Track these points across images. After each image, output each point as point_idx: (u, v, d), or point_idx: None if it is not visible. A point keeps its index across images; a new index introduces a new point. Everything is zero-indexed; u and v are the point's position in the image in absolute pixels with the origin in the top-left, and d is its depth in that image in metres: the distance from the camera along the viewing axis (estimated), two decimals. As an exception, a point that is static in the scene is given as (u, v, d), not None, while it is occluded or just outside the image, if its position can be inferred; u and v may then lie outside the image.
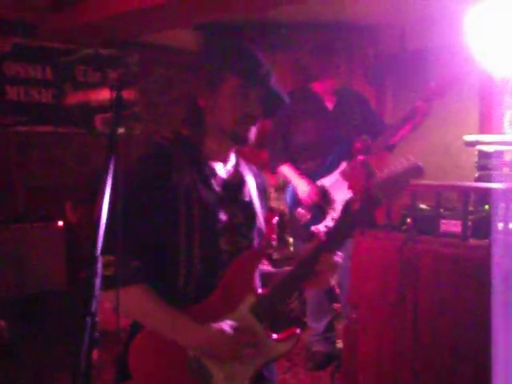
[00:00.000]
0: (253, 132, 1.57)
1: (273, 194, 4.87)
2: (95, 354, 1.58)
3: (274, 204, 4.84)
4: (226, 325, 1.47)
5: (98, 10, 4.24)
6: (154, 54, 5.54)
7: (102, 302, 1.07)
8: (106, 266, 1.31)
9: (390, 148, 3.54)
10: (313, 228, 3.43)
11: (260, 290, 1.57)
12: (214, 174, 1.58)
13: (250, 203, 1.64)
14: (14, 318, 4.06)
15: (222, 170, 1.61)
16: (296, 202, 3.56)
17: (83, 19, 4.38)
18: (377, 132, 3.43)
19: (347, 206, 3.31)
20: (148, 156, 1.56)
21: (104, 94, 5.19)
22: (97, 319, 1.01)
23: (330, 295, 3.75)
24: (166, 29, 4.75)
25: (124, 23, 4.42)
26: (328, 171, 3.45)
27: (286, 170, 3.58)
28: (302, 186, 3.48)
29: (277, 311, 1.53)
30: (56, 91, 5.11)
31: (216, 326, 1.46)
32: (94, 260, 1.05)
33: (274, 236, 4.35)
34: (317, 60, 3.54)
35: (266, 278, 1.68)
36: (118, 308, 1.18)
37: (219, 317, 1.49)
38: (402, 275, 2.62)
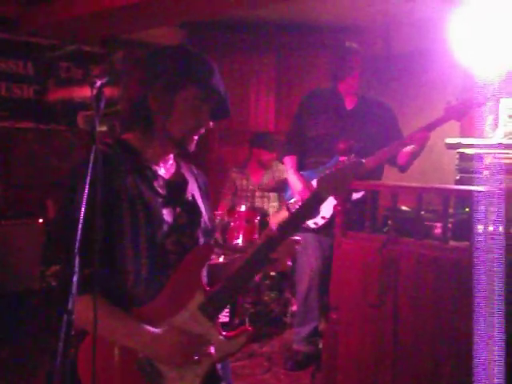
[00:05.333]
0: (196, 141, 1.60)
1: (257, 193, 4.86)
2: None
3: (258, 203, 4.84)
4: (175, 329, 1.48)
5: (82, 5, 4.20)
6: (138, 52, 5.51)
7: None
8: (52, 276, 1.29)
9: (402, 168, 3.54)
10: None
11: (208, 288, 1.57)
12: (156, 176, 1.58)
13: (194, 203, 1.66)
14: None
15: (163, 171, 1.62)
16: (291, 194, 3.68)
17: (66, 15, 4.35)
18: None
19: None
20: (88, 164, 1.41)
21: (87, 91, 5.14)
22: (73, 317, 0.99)
23: (320, 302, 3.74)
24: (152, 26, 4.73)
25: (108, 20, 4.39)
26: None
27: (288, 163, 3.72)
28: (295, 183, 3.59)
29: (226, 307, 1.54)
30: (38, 87, 5.05)
31: (165, 330, 1.47)
32: (72, 258, 1.03)
33: (256, 236, 4.34)
34: (335, 60, 3.63)
35: (216, 270, 1.71)
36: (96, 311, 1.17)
37: (168, 317, 1.50)
38: (383, 276, 2.63)
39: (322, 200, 1.56)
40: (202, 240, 1.64)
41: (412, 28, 4.78)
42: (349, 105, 3.62)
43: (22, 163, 5.06)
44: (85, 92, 5.18)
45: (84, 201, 1.13)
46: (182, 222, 1.60)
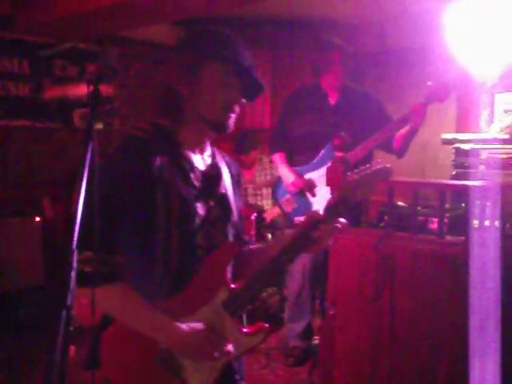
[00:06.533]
0: (233, 119, 1.56)
1: (250, 190, 4.87)
2: (72, 351, 1.57)
3: (252, 200, 4.84)
4: (200, 326, 1.49)
5: (78, 2, 4.19)
6: (133, 49, 5.51)
7: (79, 297, 1.07)
8: (84, 262, 1.30)
9: (398, 153, 3.49)
10: (295, 219, 3.50)
11: (232, 284, 1.57)
12: (192, 167, 1.56)
13: (226, 196, 1.64)
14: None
15: (200, 162, 1.59)
16: (283, 192, 3.67)
17: (62, 12, 4.33)
18: None
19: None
20: (125, 150, 1.50)
21: (82, 89, 5.14)
22: (72, 313, 1.00)
23: (312, 298, 3.75)
24: (147, 24, 4.72)
25: (104, 17, 4.38)
26: (318, 165, 3.48)
27: (277, 159, 3.74)
28: (287, 175, 3.61)
29: (249, 304, 1.55)
30: (33, 85, 5.05)
31: (190, 327, 1.48)
32: (70, 254, 1.03)
33: (253, 232, 4.35)
34: (317, 55, 3.61)
35: (247, 258, 1.69)
36: (93, 304, 1.18)
37: (193, 311, 1.50)
38: (379, 272, 2.64)
39: (348, 203, 1.51)
40: (231, 235, 1.64)
41: (406, 24, 4.79)
42: (332, 100, 3.61)
43: (18, 161, 5.05)
44: (80, 90, 5.18)
45: (84, 196, 1.14)
46: (214, 216, 1.58)
